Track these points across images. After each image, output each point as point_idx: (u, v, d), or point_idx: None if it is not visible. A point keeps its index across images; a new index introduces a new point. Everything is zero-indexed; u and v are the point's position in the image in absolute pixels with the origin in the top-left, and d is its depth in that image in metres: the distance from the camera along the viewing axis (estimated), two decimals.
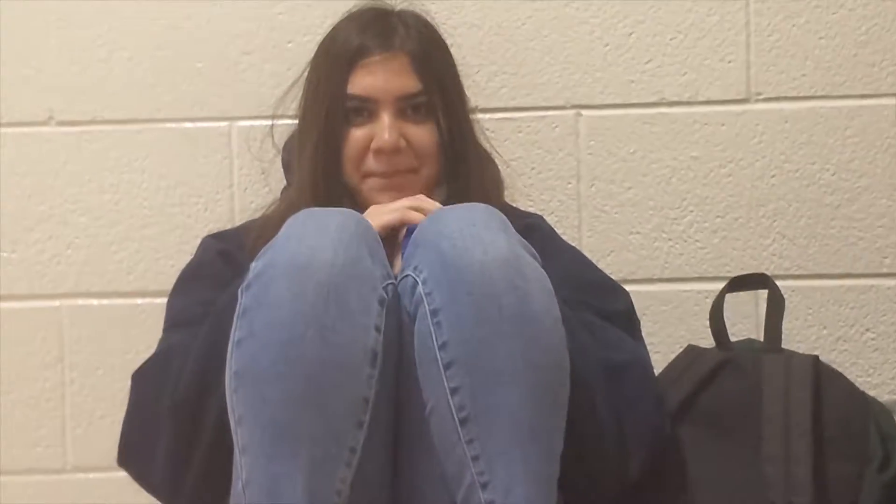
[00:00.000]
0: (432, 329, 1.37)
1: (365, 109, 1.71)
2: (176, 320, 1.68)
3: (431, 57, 1.75)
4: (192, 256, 1.79)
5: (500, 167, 1.87)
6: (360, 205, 1.70)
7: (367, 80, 1.71)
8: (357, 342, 1.36)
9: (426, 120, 1.73)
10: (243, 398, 1.35)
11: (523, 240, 1.45)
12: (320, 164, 1.71)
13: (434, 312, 1.37)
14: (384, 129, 1.69)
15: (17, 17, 2.03)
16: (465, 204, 1.50)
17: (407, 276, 1.43)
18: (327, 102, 1.72)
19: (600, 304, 1.64)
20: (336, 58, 1.74)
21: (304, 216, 1.44)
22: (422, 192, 1.69)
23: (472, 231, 1.40)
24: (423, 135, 1.72)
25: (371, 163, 1.71)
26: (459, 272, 1.37)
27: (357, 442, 1.35)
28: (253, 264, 1.40)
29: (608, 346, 1.57)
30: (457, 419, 1.35)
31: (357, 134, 1.71)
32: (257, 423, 1.33)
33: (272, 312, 1.34)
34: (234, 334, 1.37)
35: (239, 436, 1.35)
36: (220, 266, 1.71)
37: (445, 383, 1.36)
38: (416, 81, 1.72)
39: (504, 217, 1.46)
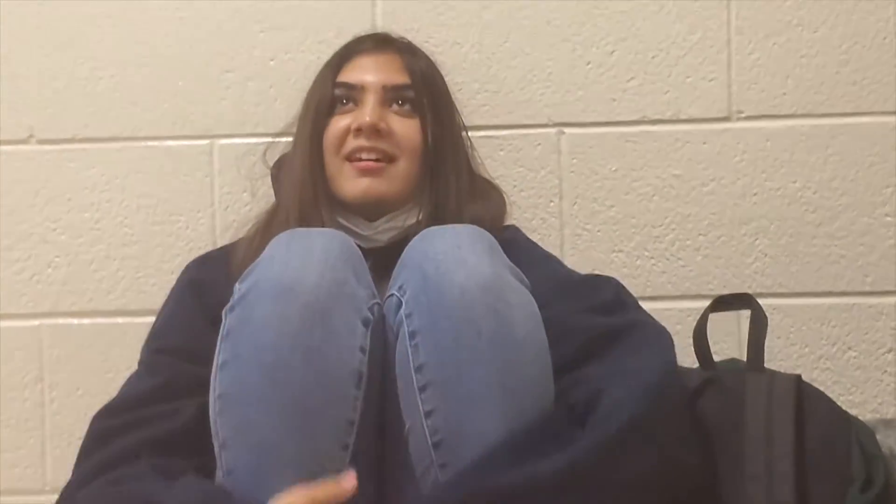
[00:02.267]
0: (409, 351, 1.37)
1: (351, 98, 1.72)
2: (147, 364, 1.62)
3: (424, 63, 1.77)
4: (174, 276, 1.75)
5: (499, 192, 1.86)
6: (340, 203, 1.70)
7: (356, 70, 1.74)
8: (343, 364, 1.36)
9: (413, 115, 1.72)
10: (228, 421, 1.34)
11: (511, 264, 1.43)
12: (308, 162, 1.71)
13: (412, 334, 1.37)
14: (366, 110, 1.69)
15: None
16: (453, 225, 1.49)
17: (392, 295, 1.42)
18: (317, 98, 1.73)
19: (589, 299, 1.58)
20: (329, 60, 1.77)
21: (287, 237, 1.43)
22: (399, 190, 1.69)
23: (455, 254, 1.39)
24: (407, 127, 1.72)
25: (350, 143, 1.70)
26: (440, 295, 1.36)
27: (342, 463, 1.35)
28: (237, 286, 1.39)
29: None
30: (430, 442, 1.35)
31: (340, 121, 1.71)
32: (243, 446, 1.33)
33: (257, 334, 1.33)
34: (219, 356, 1.36)
35: (224, 460, 1.34)
36: (188, 304, 1.65)
37: (420, 406, 1.35)
38: (406, 76, 1.73)
39: (493, 240, 1.45)
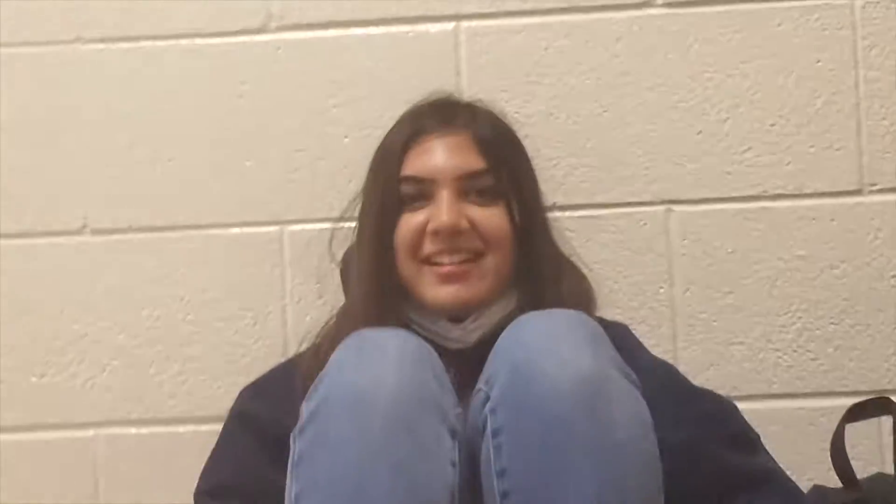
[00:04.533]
0: (492, 453, 1.22)
1: (422, 194, 1.52)
2: None
3: (499, 137, 1.57)
4: (243, 379, 1.63)
5: (585, 276, 1.68)
6: (419, 306, 1.53)
7: (423, 159, 1.53)
8: (436, 479, 1.21)
9: (494, 203, 1.53)
10: None
11: (619, 358, 1.27)
12: (376, 265, 1.53)
13: (496, 433, 1.22)
14: (442, 208, 1.50)
15: (54, 123, 1.89)
16: (553, 310, 1.33)
17: (479, 389, 1.27)
18: (381, 193, 1.55)
19: (717, 426, 1.46)
20: (390, 145, 1.57)
21: (356, 341, 1.28)
22: (489, 288, 1.52)
23: (550, 342, 1.24)
24: (490, 216, 1.52)
25: (428, 246, 1.51)
26: (528, 389, 1.21)
27: None
28: (304, 405, 1.25)
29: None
30: None
31: (412, 218, 1.52)
32: None
33: (336, 455, 1.19)
34: (292, 488, 1.22)
35: None
36: (239, 439, 1.54)
37: None
38: (481, 160, 1.53)
39: (597, 327, 1.30)
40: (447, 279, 1.50)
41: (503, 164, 1.54)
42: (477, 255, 1.52)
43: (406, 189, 1.53)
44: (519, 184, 1.56)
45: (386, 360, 1.23)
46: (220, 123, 1.88)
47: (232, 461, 1.51)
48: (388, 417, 1.19)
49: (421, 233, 1.51)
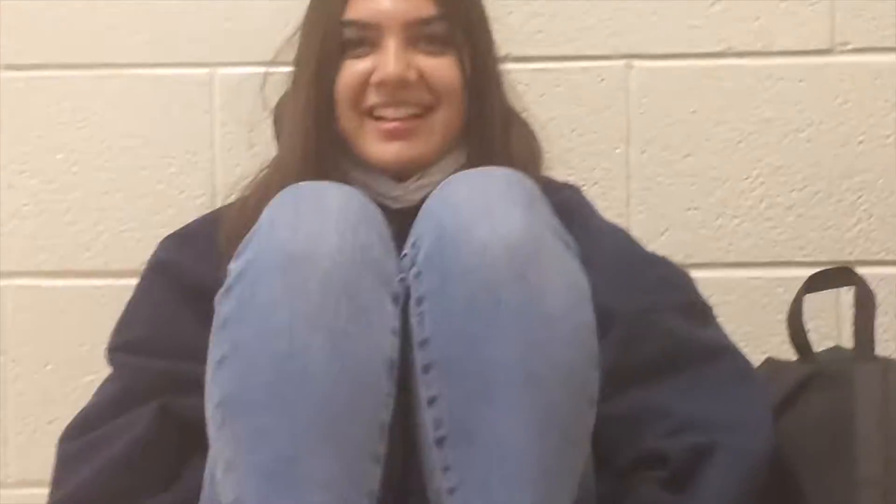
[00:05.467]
0: (414, 321, 1.14)
1: (366, 40, 1.42)
2: (111, 367, 1.44)
3: None
4: (164, 231, 1.53)
5: (535, 133, 1.60)
6: (360, 161, 1.44)
7: (368, 2, 1.42)
8: (376, 350, 1.13)
9: (444, 52, 1.43)
10: (233, 435, 1.10)
11: (557, 223, 1.19)
12: (313, 114, 1.43)
13: (419, 300, 1.14)
14: (388, 57, 1.40)
15: None
16: (485, 168, 1.23)
17: (404, 254, 1.19)
18: (320, 36, 1.44)
19: (670, 294, 1.40)
20: None
21: (291, 195, 1.18)
22: (437, 146, 1.44)
23: (482, 202, 1.15)
24: (440, 67, 1.43)
25: (372, 97, 1.42)
26: (455, 252, 1.13)
27: (375, 481, 1.12)
28: (231, 265, 1.15)
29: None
30: (433, 438, 1.12)
31: (354, 66, 1.42)
32: (254, 467, 1.08)
33: (264, 318, 1.10)
34: (214, 353, 1.13)
35: (229, 486, 1.10)
36: (156, 289, 1.45)
37: (423, 391, 1.13)
38: (432, 5, 1.42)
39: (535, 188, 1.21)
40: (392, 135, 1.41)
41: (456, 11, 1.44)
42: (425, 110, 1.43)
43: (348, 33, 1.42)
44: (472, 33, 1.46)
45: (326, 217, 1.14)
46: None
47: (148, 314, 1.42)
48: (326, 280, 1.10)
49: (364, 82, 1.42)
